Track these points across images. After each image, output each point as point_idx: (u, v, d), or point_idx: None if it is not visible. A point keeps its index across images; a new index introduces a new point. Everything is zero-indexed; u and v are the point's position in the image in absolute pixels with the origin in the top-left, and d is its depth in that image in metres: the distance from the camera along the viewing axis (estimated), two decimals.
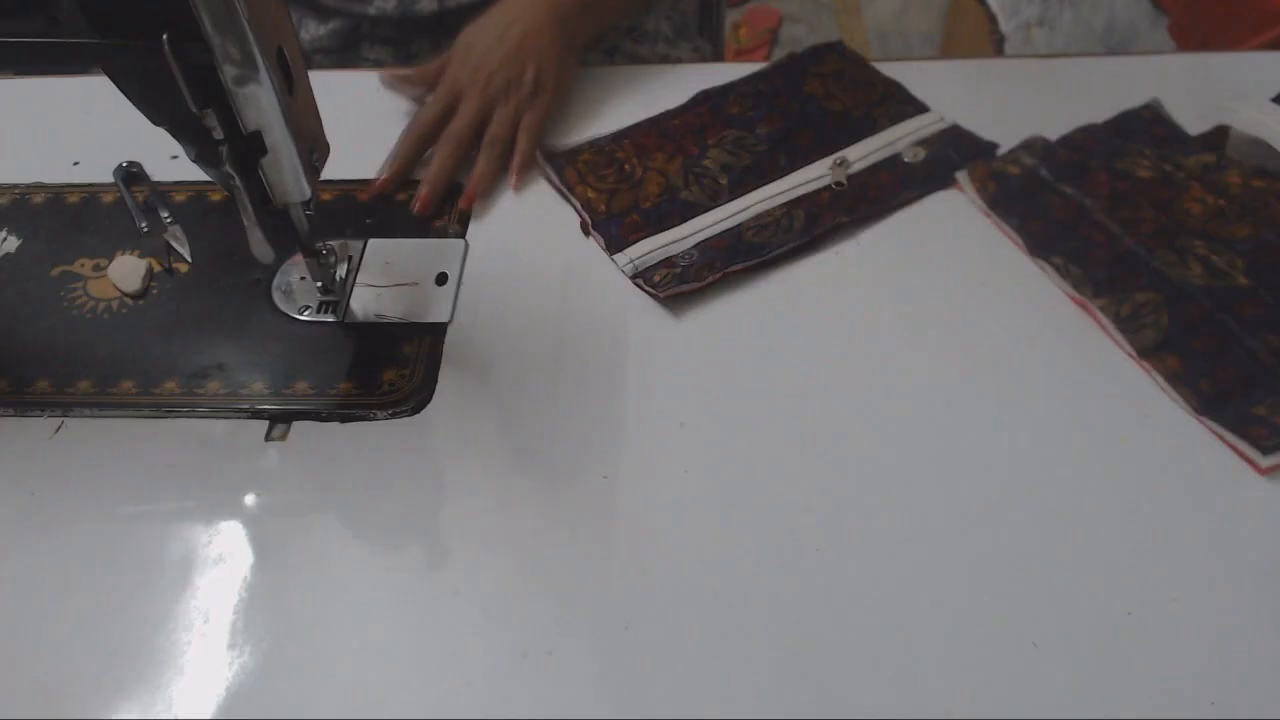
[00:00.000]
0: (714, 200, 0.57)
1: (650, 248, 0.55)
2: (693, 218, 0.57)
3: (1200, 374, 0.48)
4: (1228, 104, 0.59)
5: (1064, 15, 1.23)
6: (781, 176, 0.58)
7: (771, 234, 0.55)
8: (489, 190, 0.59)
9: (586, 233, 0.57)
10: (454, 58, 0.62)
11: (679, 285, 0.52)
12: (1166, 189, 0.56)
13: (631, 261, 0.54)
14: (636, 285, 0.53)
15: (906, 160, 0.59)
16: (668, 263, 0.54)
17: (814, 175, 0.58)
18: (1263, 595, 0.41)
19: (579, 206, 0.58)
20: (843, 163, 0.58)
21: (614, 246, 0.55)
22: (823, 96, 0.63)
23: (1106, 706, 0.38)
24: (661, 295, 0.52)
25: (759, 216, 0.57)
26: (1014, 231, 0.55)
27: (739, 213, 0.57)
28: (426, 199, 0.58)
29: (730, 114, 0.62)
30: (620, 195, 0.58)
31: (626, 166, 0.59)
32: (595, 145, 0.61)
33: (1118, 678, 0.39)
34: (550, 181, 0.59)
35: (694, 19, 0.85)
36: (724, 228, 0.56)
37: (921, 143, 0.60)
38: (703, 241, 0.55)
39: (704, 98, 0.64)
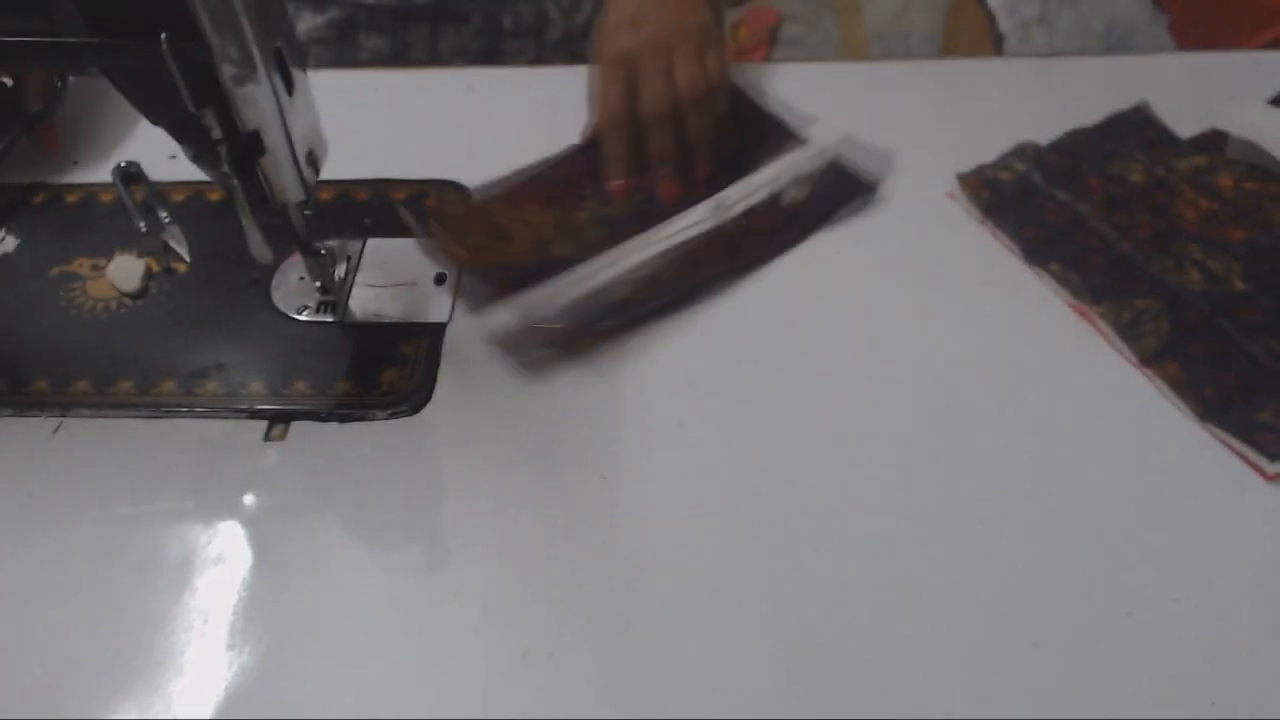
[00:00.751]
0: (586, 251, 0.54)
1: (520, 308, 0.52)
2: (562, 273, 0.53)
3: (1203, 380, 0.47)
4: (1222, 108, 0.59)
5: (1063, 14, 1.23)
6: (660, 223, 0.55)
7: (643, 290, 0.52)
8: (711, 146, 0.57)
9: (440, 283, 0.54)
10: (610, 33, 0.58)
11: (552, 352, 0.50)
12: (1160, 193, 0.56)
13: (500, 326, 0.51)
14: (505, 354, 0.50)
15: (784, 201, 0.56)
16: (534, 330, 0.51)
17: (692, 220, 0.55)
18: (1265, 597, 0.41)
19: (451, 258, 0.54)
20: (722, 206, 0.55)
21: (480, 304, 0.52)
22: None
23: (1106, 706, 0.38)
24: (526, 364, 0.50)
25: (633, 269, 0.53)
26: (1009, 239, 0.55)
27: (611, 266, 0.53)
28: (673, 188, 0.56)
29: None
30: (489, 251, 0.54)
31: (497, 219, 0.56)
32: (469, 196, 0.58)
33: (1118, 678, 0.39)
34: (414, 233, 0.55)
35: None
36: (595, 284, 0.52)
37: (802, 179, 0.57)
38: (573, 300, 0.52)
39: (583, 148, 0.60)
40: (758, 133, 0.60)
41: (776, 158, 0.58)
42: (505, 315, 0.51)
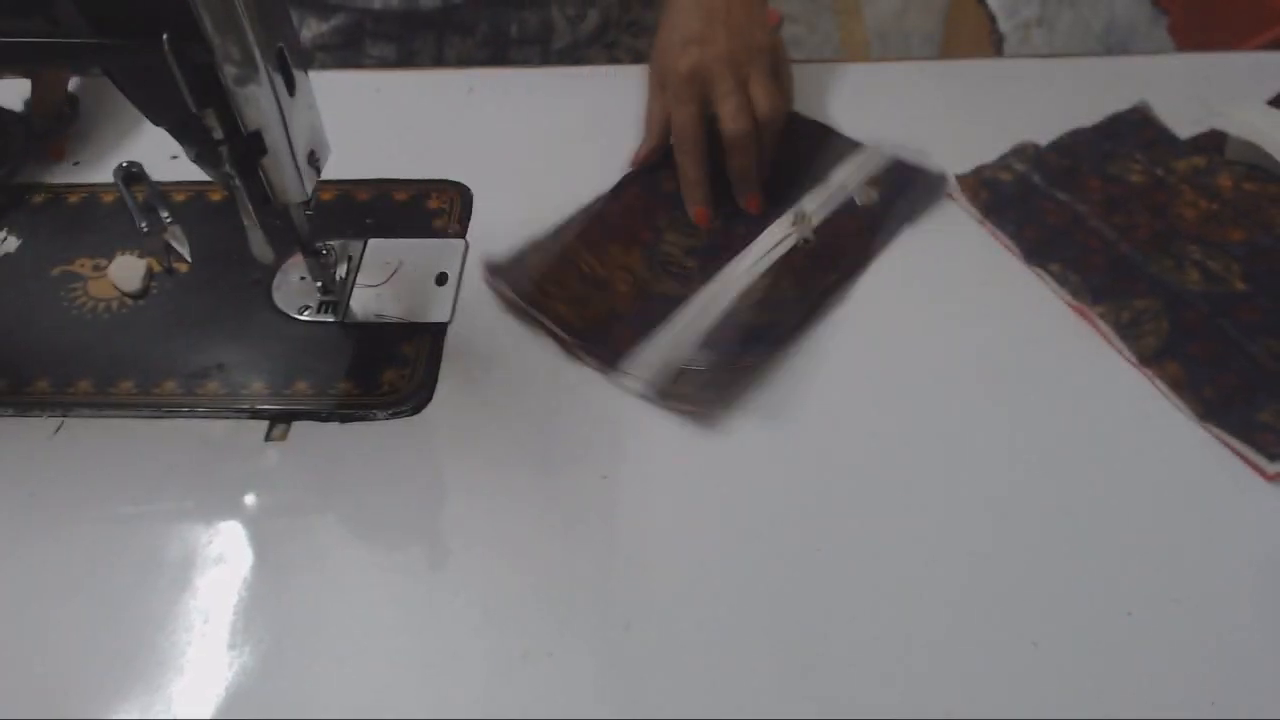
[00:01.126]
0: (688, 287, 0.52)
1: (652, 357, 0.49)
2: (675, 310, 0.51)
3: (1203, 380, 0.48)
4: (1221, 108, 0.59)
5: (1063, 15, 1.23)
6: (745, 245, 0.54)
7: (766, 313, 0.51)
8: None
9: (575, 354, 0.50)
10: (679, 52, 0.56)
11: (716, 393, 0.48)
12: (1159, 193, 0.56)
13: (642, 380, 0.48)
14: (670, 408, 0.48)
15: (860, 203, 0.56)
16: (685, 375, 0.48)
17: (779, 236, 0.54)
18: (1265, 597, 0.41)
19: (555, 328, 0.51)
20: (802, 217, 0.55)
21: (613, 364, 0.49)
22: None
23: (1106, 706, 0.38)
24: (702, 410, 0.48)
25: (745, 295, 0.52)
26: (1009, 239, 0.55)
27: (720, 295, 0.52)
28: (756, 199, 0.56)
29: (667, 191, 0.57)
30: (593, 302, 0.51)
31: (584, 268, 0.53)
32: (539, 247, 0.54)
33: (1118, 678, 0.39)
34: (509, 302, 0.52)
35: None
36: (715, 316, 0.51)
37: (871, 181, 0.57)
38: (706, 338, 0.50)
39: (633, 178, 0.58)
40: (817, 143, 0.60)
41: (841, 164, 0.58)
42: (642, 369, 0.49)
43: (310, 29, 0.74)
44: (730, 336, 0.50)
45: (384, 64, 0.74)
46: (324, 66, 0.74)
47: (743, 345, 0.50)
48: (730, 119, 0.54)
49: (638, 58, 0.77)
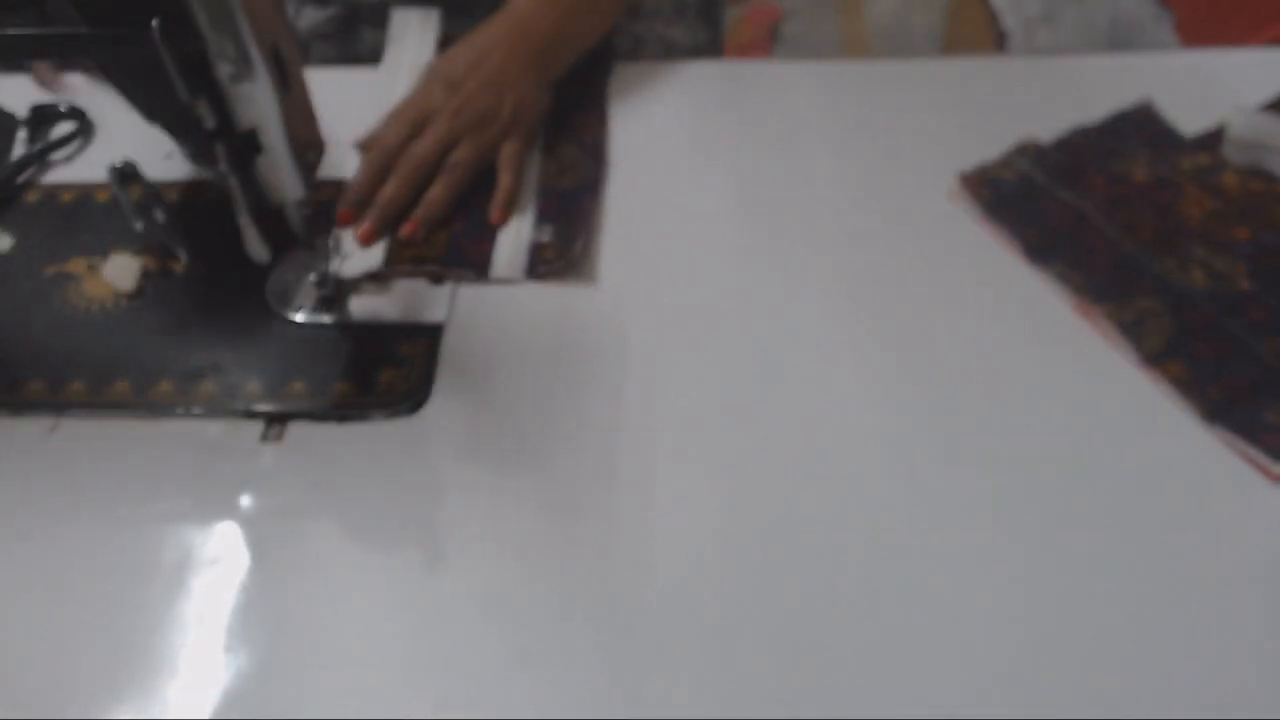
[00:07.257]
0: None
1: (505, 252, 0.55)
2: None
3: (1207, 381, 0.47)
4: (1222, 114, 0.58)
5: (1067, 12, 1.22)
6: None
7: (573, 172, 0.58)
8: (436, 218, 0.55)
9: (449, 276, 0.54)
10: (426, 84, 0.59)
11: (579, 248, 0.54)
12: (1164, 192, 0.56)
13: (511, 273, 0.53)
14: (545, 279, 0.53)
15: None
16: (542, 250, 0.54)
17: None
18: (1270, 597, 0.41)
19: (423, 267, 0.54)
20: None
21: (482, 273, 0.54)
22: None
23: (1107, 706, 0.38)
24: (573, 269, 0.54)
25: (543, 175, 0.58)
26: (1012, 238, 0.54)
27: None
28: (370, 232, 0.54)
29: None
30: (434, 233, 0.56)
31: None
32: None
33: (1118, 678, 0.39)
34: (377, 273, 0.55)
35: (694, 3, 0.84)
36: (532, 200, 0.57)
37: None
38: (539, 216, 0.56)
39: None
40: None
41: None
42: (502, 265, 0.54)
43: (306, 18, 0.74)
44: (555, 205, 0.57)
45: (377, 50, 0.74)
46: (321, 56, 0.74)
47: (571, 205, 0.56)
48: (406, 157, 0.56)
49: (636, 42, 0.76)
